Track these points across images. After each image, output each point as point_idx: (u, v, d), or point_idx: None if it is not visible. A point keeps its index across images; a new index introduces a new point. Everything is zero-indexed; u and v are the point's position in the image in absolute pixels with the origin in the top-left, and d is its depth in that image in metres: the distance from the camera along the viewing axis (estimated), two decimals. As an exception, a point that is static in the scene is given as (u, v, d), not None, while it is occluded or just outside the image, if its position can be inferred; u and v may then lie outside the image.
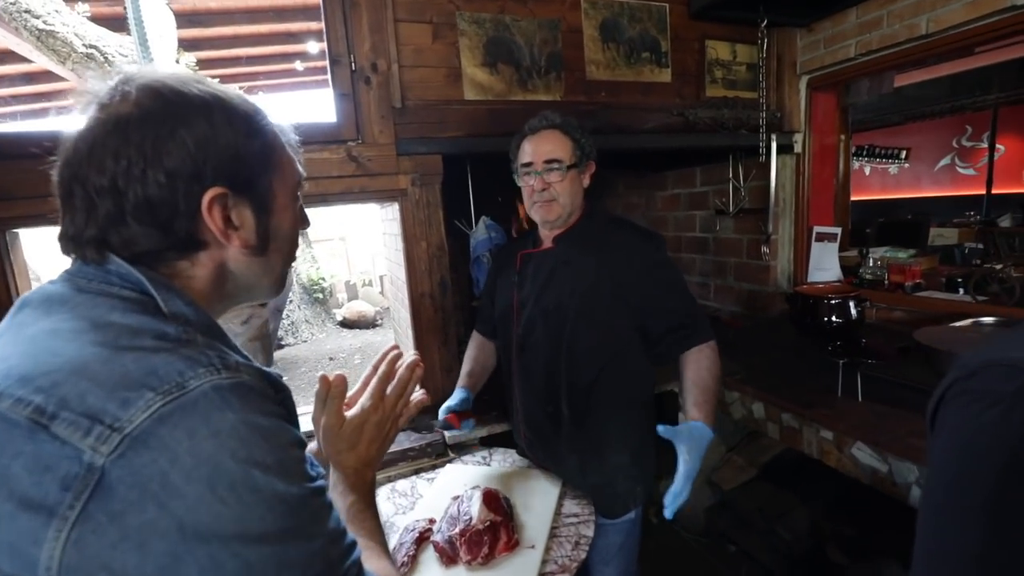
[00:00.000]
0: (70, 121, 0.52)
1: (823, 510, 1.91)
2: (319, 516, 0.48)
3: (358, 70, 1.63)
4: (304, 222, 0.67)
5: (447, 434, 1.66)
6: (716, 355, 1.27)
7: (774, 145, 2.18)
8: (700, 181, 2.76)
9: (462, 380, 1.45)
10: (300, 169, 0.63)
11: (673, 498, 1.10)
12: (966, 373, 0.50)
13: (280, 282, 0.65)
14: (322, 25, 1.61)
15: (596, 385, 1.26)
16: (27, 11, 2.99)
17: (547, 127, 1.27)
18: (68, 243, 0.52)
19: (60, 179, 0.51)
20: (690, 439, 1.14)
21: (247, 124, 0.55)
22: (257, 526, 0.42)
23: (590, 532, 1.14)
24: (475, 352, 1.51)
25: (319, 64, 4.64)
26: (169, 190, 0.50)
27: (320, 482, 0.50)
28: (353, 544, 0.52)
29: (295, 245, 0.65)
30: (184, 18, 3.64)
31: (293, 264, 0.69)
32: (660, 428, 1.13)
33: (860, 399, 1.55)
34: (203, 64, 4.73)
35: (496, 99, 1.82)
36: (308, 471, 0.49)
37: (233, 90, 0.56)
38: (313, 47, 4.45)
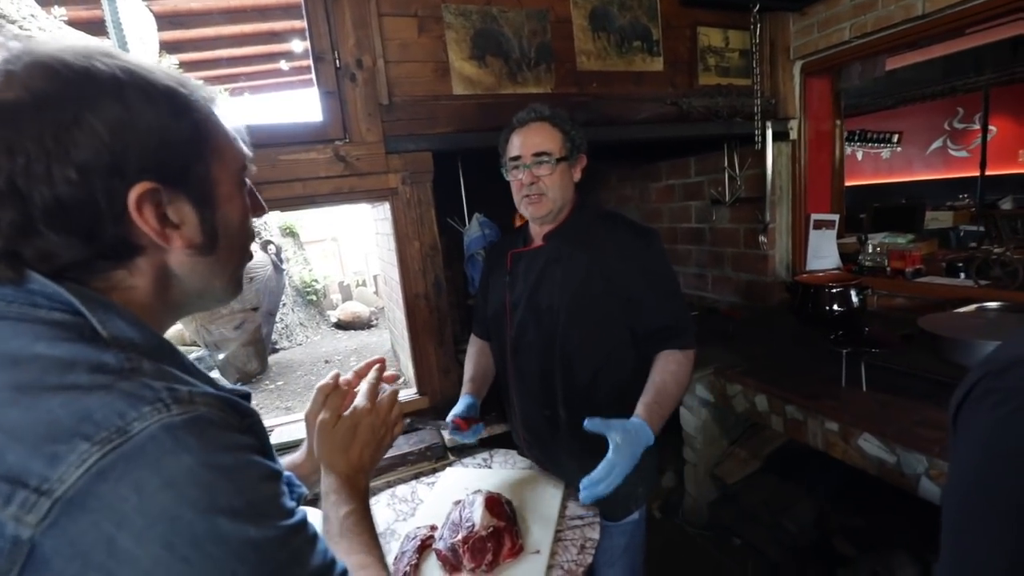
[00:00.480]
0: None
1: (829, 501, 1.89)
2: (300, 555, 0.43)
3: (343, 67, 1.58)
4: (258, 209, 0.59)
5: (446, 436, 1.63)
6: (689, 364, 1.21)
7: (769, 132, 2.16)
8: (695, 171, 2.73)
9: (466, 387, 1.40)
10: (244, 149, 0.54)
11: (589, 484, 0.98)
12: (995, 369, 0.47)
13: (235, 283, 0.57)
14: (304, 23, 1.56)
15: (592, 386, 1.23)
16: (1, 16, 2.91)
17: (536, 119, 1.22)
18: None
19: None
20: (624, 431, 1.04)
21: (171, 102, 0.46)
22: None
23: (596, 535, 1.11)
24: (475, 356, 1.46)
25: (304, 63, 4.57)
26: (84, 189, 0.41)
27: (300, 514, 0.45)
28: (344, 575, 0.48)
29: (249, 238, 0.57)
30: (165, 20, 3.57)
31: (250, 261, 0.60)
32: (586, 422, 1.03)
33: (864, 389, 1.52)
34: (186, 66, 4.66)
35: (486, 93, 1.78)
36: (285, 504, 0.44)
37: (150, 62, 0.47)
38: (298, 46, 4.38)
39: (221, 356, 4.53)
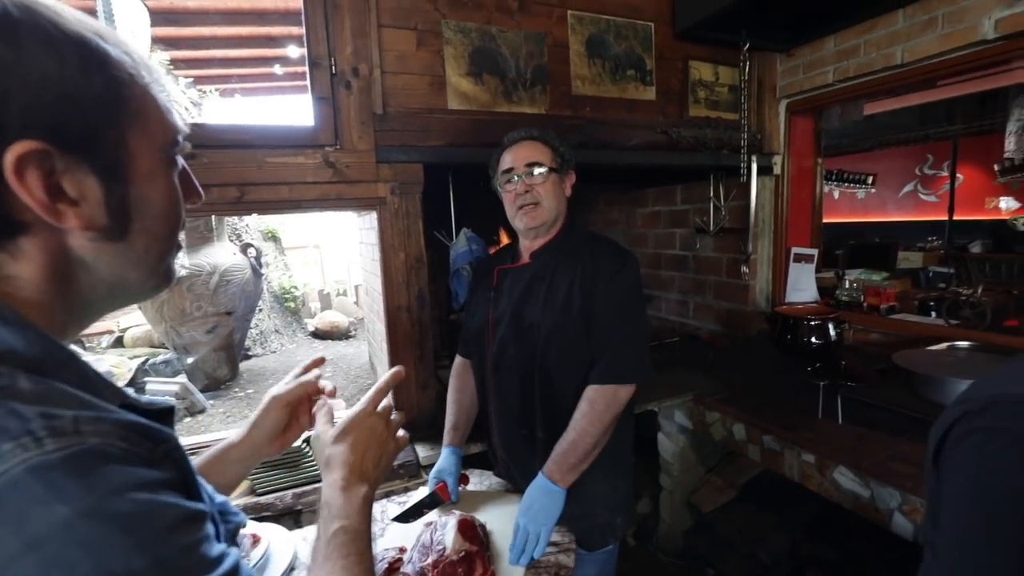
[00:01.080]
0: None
1: (803, 533, 1.89)
2: None
3: (338, 74, 1.57)
4: (192, 194, 0.50)
5: (421, 454, 1.59)
6: (615, 403, 1.15)
7: (755, 166, 2.21)
8: (681, 199, 2.78)
9: (448, 436, 1.34)
10: (178, 122, 0.46)
11: (513, 559, 1.04)
12: (975, 409, 0.48)
13: (160, 275, 0.47)
14: (302, 30, 1.55)
15: (571, 406, 1.21)
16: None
17: (526, 138, 1.26)
18: None
19: None
20: (526, 511, 1.10)
21: (80, 52, 0.38)
22: None
23: (571, 562, 1.08)
24: (457, 395, 1.40)
25: (298, 69, 4.56)
26: None
27: (227, 562, 0.37)
28: None
29: (176, 224, 0.47)
30: (160, 16, 3.53)
31: (179, 251, 0.51)
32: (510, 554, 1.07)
33: (840, 421, 1.54)
34: (178, 64, 4.61)
35: (480, 109, 1.79)
36: (207, 554, 0.36)
37: (65, 7, 0.39)
38: (293, 52, 4.37)
39: (190, 360, 4.38)
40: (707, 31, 2.03)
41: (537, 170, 1.21)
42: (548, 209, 1.23)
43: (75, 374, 0.37)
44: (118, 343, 5.16)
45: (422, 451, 1.60)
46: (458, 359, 1.44)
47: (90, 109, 0.38)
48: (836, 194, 7.66)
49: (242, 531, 1.09)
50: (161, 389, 3.81)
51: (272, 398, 0.77)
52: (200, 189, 0.52)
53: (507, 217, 1.29)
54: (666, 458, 2.17)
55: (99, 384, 0.39)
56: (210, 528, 0.38)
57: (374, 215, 1.68)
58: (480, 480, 1.41)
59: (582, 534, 1.22)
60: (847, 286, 2.36)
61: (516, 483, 1.32)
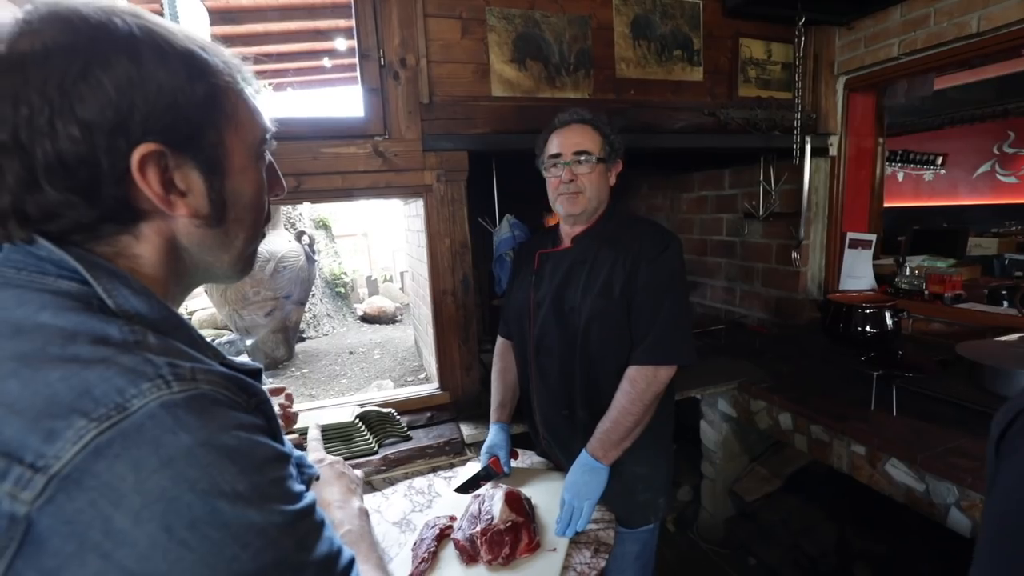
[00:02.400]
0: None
1: (852, 526, 1.84)
2: (306, 542, 0.42)
3: (387, 65, 1.62)
4: (276, 187, 0.56)
5: (465, 432, 1.65)
6: (655, 383, 1.16)
7: (808, 147, 2.12)
8: (729, 183, 2.70)
9: (495, 414, 1.40)
10: (265, 122, 0.52)
11: (560, 531, 1.10)
12: None
13: (245, 260, 0.55)
14: (351, 22, 1.61)
15: (612, 388, 1.23)
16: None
17: (577, 121, 1.25)
18: None
19: None
20: (571, 473, 1.17)
21: (187, 65, 0.44)
22: (229, 568, 0.35)
23: (610, 539, 1.11)
24: (501, 376, 1.45)
25: (347, 61, 4.69)
26: (86, 146, 0.40)
27: (307, 499, 0.43)
28: (351, 564, 0.46)
29: (262, 214, 0.54)
30: (218, 15, 3.71)
31: (262, 240, 0.57)
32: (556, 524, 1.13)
33: (895, 413, 1.49)
34: (235, 60, 4.81)
35: (524, 96, 1.80)
36: (291, 489, 0.42)
37: (172, 24, 0.46)
38: (341, 44, 4.49)
39: (251, 341, 4.66)
40: (759, 6, 1.95)
41: (584, 159, 1.21)
42: (590, 199, 1.23)
43: (186, 335, 0.44)
44: (185, 325, 5.53)
45: (466, 430, 1.66)
46: (500, 340, 1.49)
47: (195, 114, 0.44)
48: (900, 176, 7.19)
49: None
50: (224, 368, 4.07)
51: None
52: (284, 181, 0.58)
53: (549, 200, 1.31)
54: (708, 446, 2.15)
55: (204, 345, 0.45)
56: (292, 470, 0.44)
57: (421, 202, 1.74)
58: (523, 458, 1.45)
59: (624, 512, 1.25)
60: (907, 273, 2.24)
61: (558, 461, 1.36)
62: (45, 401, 0.35)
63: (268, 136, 0.52)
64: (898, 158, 6.72)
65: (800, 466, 2.10)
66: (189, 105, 0.44)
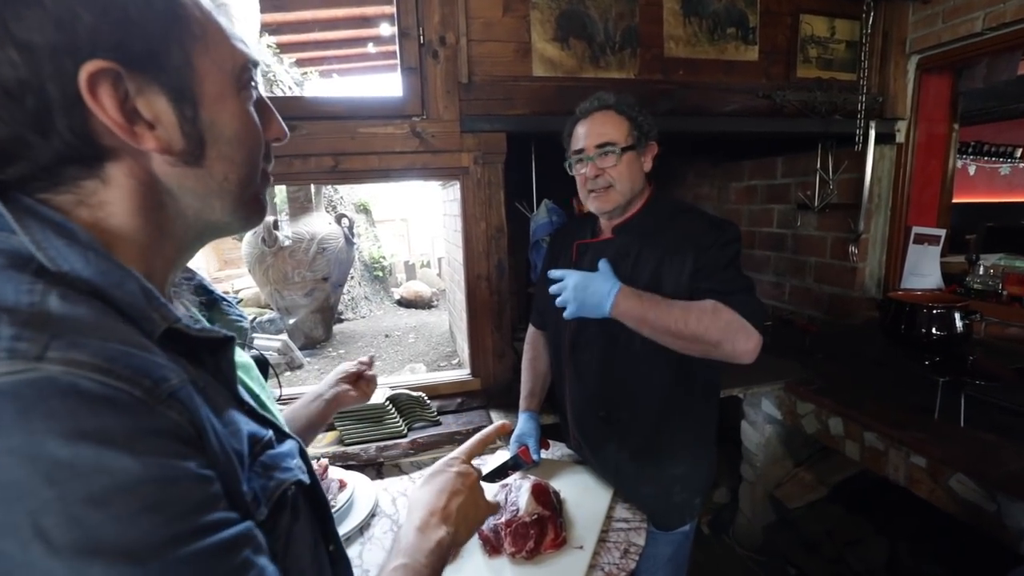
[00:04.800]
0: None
1: (905, 543, 1.72)
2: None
3: (426, 43, 1.59)
4: (274, 127, 0.49)
5: (495, 420, 1.62)
6: (721, 319, 1.00)
7: (872, 133, 1.96)
8: (781, 172, 2.55)
9: (525, 402, 1.35)
10: (244, 49, 0.45)
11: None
12: None
13: (247, 206, 0.47)
14: (393, 8, 1.58)
15: (654, 390, 1.16)
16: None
17: (599, 108, 1.15)
18: None
19: None
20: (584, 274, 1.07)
21: None
22: None
23: (641, 540, 1.06)
24: (532, 364, 1.40)
25: (390, 48, 4.71)
26: (28, 70, 0.34)
27: (213, 539, 0.33)
28: None
29: (257, 153, 0.47)
30: (267, 3, 3.78)
31: (267, 184, 0.50)
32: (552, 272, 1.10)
33: (963, 424, 1.36)
34: (281, 48, 4.93)
35: (566, 76, 1.73)
36: (172, 528, 0.31)
37: None
38: (385, 30, 4.50)
39: (291, 320, 4.79)
40: (825, -20, 1.81)
41: (608, 150, 1.12)
42: (621, 191, 1.14)
43: (124, 296, 0.37)
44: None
45: (497, 417, 1.63)
46: (531, 328, 1.44)
47: (152, 28, 0.38)
48: (972, 170, 6.68)
49: (330, 476, 1.18)
50: (266, 344, 4.21)
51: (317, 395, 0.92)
52: (284, 125, 0.51)
53: (579, 196, 1.24)
54: (749, 448, 2.05)
55: (145, 308, 0.38)
56: (213, 493, 0.34)
57: (457, 185, 1.71)
58: (553, 449, 1.41)
59: (658, 513, 1.19)
60: (981, 272, 2.06)
61: (588, 462, 1.30)
62: None
63: (251, 65, 0.46)
64: (970, 150, 6.21)
65: (849, 475, 1.98)
66: (145, 18, 0.38)
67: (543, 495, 1.06)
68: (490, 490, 1.15)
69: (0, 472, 0.27)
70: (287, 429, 0.52)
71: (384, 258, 7.84)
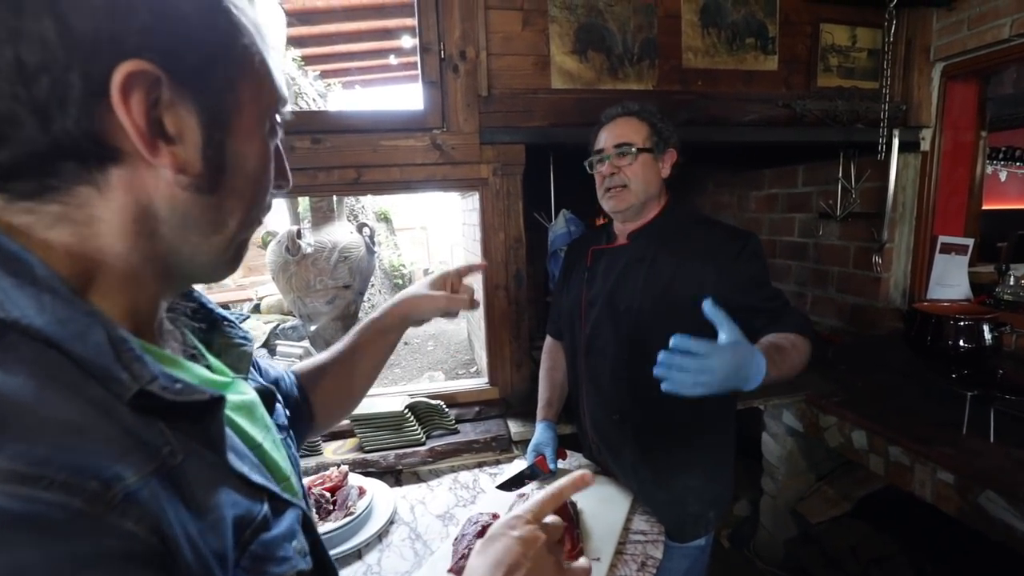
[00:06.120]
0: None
1: (932, 562, 1.67)
2: None
3: (447, 58, 1.63)
4: (282, 176, 0.46)
5: (512, 429, 1.63)
6: (805, 346, 1.05)
7: (896, 142, 1.93)
8: (803, 180, 2.52)
9: (542, 412, 1.37)
10: (282, 88, 0.42)
11: (667, 359, 0.84)
12: None
13: (235, 251, 0.43)
14: (415, 20, 1.62)
15: (668, 396, 1.16)
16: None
17: (623, 115, 1.21)
18: None
19: None
20: (735, 337, 0.86)
21: None
22: None
23: (658, 553, 1.06)
24: (549, 374, 1.42)
25: (412, 59, 4.80)
26: (59, 50, 0.30)
27: None
28: None
29: (264, 196, 0.44)
30: (293, 16, 3.89)
31: (253, 231, 0.45)
32: (706, 306, 0.86)
33: (993, 439, 1.32)
34: (306, 60, 5.06)
35: (584, 88, 1.75)
36: None
37: None
38: (407, 42, 4.60)
39: (313, 328, 4.87)
40: (846, -11, 1.80)
41: (625, 150, 1.16)
42: (636, 192, 1.17)
43: (87, 350, 0.31)
44: (256, 310, 5.89)
45: (514, 427, 1.64)
46: (548, 338, 1.46)
47: (207, 45, 0.36)
48: (1003, 175, 6.49)
49: (349, 483, 1.20)
50: (288, 351, 4.29)
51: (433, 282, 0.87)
52: (289, 174, 0.48)
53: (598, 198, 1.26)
54: (770, 461, 2.02)
55: (111, 366, 0.31)
56: None
57: (476, 195, 1.73)
58: (571, 459, 1.42)
59: (672, 524, 1.19)
60: (1011, 283, 2.00)
61: (606, 466, 1.31)
62: None
63: (282, 108, 0.43)
64: (1001, 156, 6.04)
65: (873, 490, 1.93)
66: (203, 33, 0.35)
67: (560, 506, 1.06)
68: (506, 500, 1.17)
69: None
70: (287, 495, 0.44)
71: (404, 266, 7.93)
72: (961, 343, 1.58)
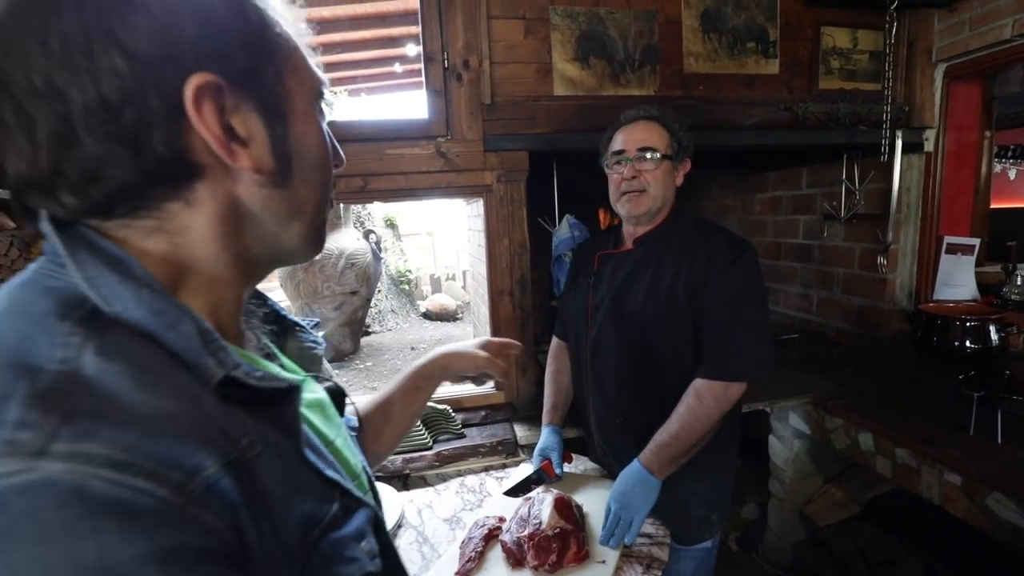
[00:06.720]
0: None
1: (943, 565, 1.66)
2: None
3: (450, 67, 1.65)
4: (336, 155, 0.47)
5: (519, 433, 1.64)
6: (725, 401, 1.10)
7: (899, 143, 1.94)
8: (807, 182, 2.52)
9: (548, 416, 1.37)
10: (319, 73, 0.44)
11: (603, 540, 1.05)
12: None
13: (317, 233, 0.46)
14: (419, 26, 1.65)
15: (671, 400, 1.17)
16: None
17: (644, 117, 1.20)
18: (25, 192, 0.34)
19: None
20: (619, 482, 1.11)
21: None
22: None
23: (664, 556, 1.06)
24: (555, 377, 1.42)
25: (417, 67, 4.85)
26: (132, 79, 0.32)
27: None
28: None
29: (329, 177, 0.46)
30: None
31: (329, 214, 0.48)
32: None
33: (1000, 441, 1.32)
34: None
35: (586, 94, 1.77)
36: None
37: None
38: (412, 50, 4.64)
39: (321, 334, 4.92)
40: (846, -8, 1.81)
41: (649, 155, 1.16)
42: (654, 198, 1.18)
43: (178, 339, 0.33)
44: (264, 316, 5.94)
45: (520, 431, 1.66)
46: (555, 340, 1.46)
47: (252, 44, 0.38)
48: (1012, 174, 6.43)
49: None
50: (296, 358, 4.32)
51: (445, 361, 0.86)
52: (342, 153, 0.49)
53: (610, 200, 1.27)
54: (777, 463, 2.02)
55: (200, 353, 0.34)
56: None
57: (481, 202, 1.75)
58: (577, 463, 1.43)
59: (676, 527, 1.19)
60: (1019, 283, 1.99)
61: (612, 469, 1.31)
62: None
63: (323, 88, 0.45)
64: (1010, 154, 5.99)
65: (881, 492, 1.92)
66: (243, 33, 0.37)
67: (566, 509, 1.07)
68: (513, 504, 1.18)
69: None
70: (359, 493, 0.45)
71: (410, 272, 7.97)
72: (967, 344, 1.58)
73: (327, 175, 0.45)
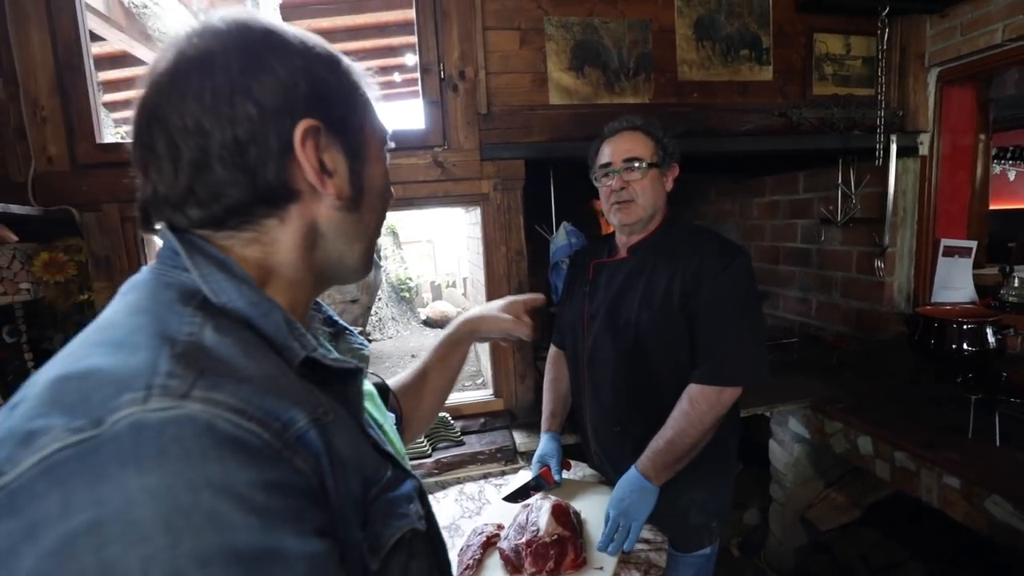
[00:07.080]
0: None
1: (944, 569, 1.65)
2: None
3: (447, 78, 1.67)
4: (389, 191, 0.57)
5: (518, 440, 1.64)
6: (718, 406, 1.10)
7: (894, 147, 1.95)
8: (803, 187, 2.54)
9: (547, 423, 1.38)
10: (385, 124, 0.54)
11: (601, 546, 1.06)
12: None
13: (369, 254, 0.55)
14: (416, 38, 1.67)
15: (667, 408, 1.17)
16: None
17: (627, 128, 1.22)
18: (158, 206, 0.43)
19: (138, 123, 0.42)
20: (618, 488, 1.12)
21: (327, 58, 0.48)
22: None
23: (662, 562, 1.07)
24: (554, 385, 1.43)
25: (414, 76, 4.88)
26: (259, 125, 0.42)
27: None
28: None
29: (386, 208, 0.55)
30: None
31: (377, 249, 0.57)
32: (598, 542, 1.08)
33: (998, 443, 1.32)
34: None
35: (582, 103, 1.79)
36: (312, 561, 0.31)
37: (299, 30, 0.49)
38: (410, 60, 4.68)
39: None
40: (837, -1, 1.83)
41: (636, 164, 1.18)
42: (644, 206, 1.19)
43: (269, 325, 0.42)
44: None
45: (519, 438, 1.66)
46: (553, 349, 1.47)
47: (344, 99, 0.48)
48: (1012, 175, 6.43)
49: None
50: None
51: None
52: (392, 190, 0.58)
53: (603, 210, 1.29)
54: (778, 468, 2.01)
55: (287, 337, 0.42)
56: (320, 564, 0.32)
57: (479, 211, 1.77)
58: (575, 470, 1.43)
59: (675, 534, 1.19)
60: (1016, 285, 2.00)
61: (609, 476, 1.32)
62: (54, 397, 0.31)
63: (388, 138, 0.55)
64: (1009, 155, 6.00)
65: (882, 496, 1.92)
66: (339, 90, 0.48)
67: (563, 516, 1.08)
68: (511, 511, 1.18)
69: (132, 510, 0.27)
70: (407, 466, 0.53)
71: (411, 279, 7.99)
72: (965, 347, 1.59)
73: (385, 205, 0.55)
